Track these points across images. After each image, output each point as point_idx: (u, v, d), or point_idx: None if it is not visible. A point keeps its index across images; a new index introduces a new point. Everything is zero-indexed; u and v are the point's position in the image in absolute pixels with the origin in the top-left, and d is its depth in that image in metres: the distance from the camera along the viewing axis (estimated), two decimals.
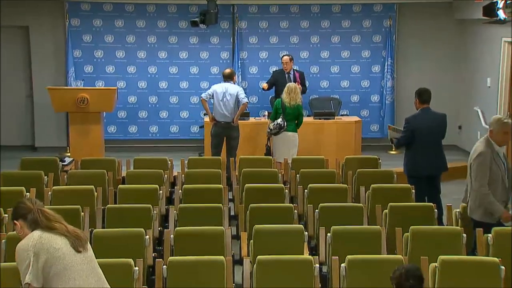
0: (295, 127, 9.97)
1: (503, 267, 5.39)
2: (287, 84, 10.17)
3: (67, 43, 12.75)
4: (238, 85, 12.00)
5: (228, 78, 10.52)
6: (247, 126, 11.25)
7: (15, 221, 4.37)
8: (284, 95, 9.92)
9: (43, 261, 4.14)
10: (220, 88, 10.40)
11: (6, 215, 6.76)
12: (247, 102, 10.43)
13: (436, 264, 5.41)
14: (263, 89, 11.96)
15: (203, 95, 10.56)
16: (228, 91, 10.34)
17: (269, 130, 10.06)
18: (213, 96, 10.39)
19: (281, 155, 9.83)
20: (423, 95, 8.31)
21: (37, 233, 4.23)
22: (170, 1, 12.81)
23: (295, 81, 11.16)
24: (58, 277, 4.17)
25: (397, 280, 4.40)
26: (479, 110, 12.16)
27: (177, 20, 13.02)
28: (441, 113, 8.49)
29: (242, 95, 10.36)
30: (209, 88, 10.83)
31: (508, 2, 9.19)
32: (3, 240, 6.02)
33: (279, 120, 9.88)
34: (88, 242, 4.42)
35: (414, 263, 4.91)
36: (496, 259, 5.54)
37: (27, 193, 7.50)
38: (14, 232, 6.06)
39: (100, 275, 4.41)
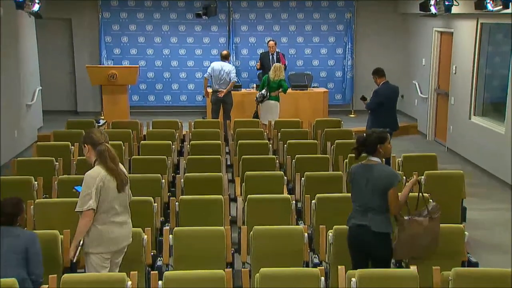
0: (277, 98, 9.90)
1: (431, 201, 5.46)
2: (274, 64, 10.13)
3: (100, 31, 12.65)
4: (233, 63, 11.94)
5: (225, 58, 10.42)
6: (239, 96, 11.17)
7: (85, 145, 4.36)
8: (270, 72, 9.88)
9: (99, 194, 4.19)
10: (217, 65, 10.30)
11: (57, 163, 6.77)
12: (235, 81, 10.36)
13: None
14: (257, 68, 11.89)
15: (205, 74, 10.51)
16: (223, 68, 10.24)
17: (256, 99, 10.02)
18: (211, 71, 10.30)
19: (266, 118, 9.80)
20: (381, 72, 8.20)
21: (102, 171, 4.23)
22: None
23: (278, 61, 11.09)
24: (103, 208, 4.24)
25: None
26: (416, 83, 12.16)
27: (185, 12, 12.88)
28: (395, 85, 8.42)
29: (233, 74, 10.25)
30: (209, 66, 10.72)
31: (438, 0, 9.17)
32: (54, 183, 6.02)
33: (263, 91, 9.84)
34: (128, 185, 4.44)
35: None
36: (426, 194, 5.59)
37: (72, 147, 7.47)
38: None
39: (129, 212, 4.46)
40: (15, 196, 4.45)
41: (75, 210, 4.23)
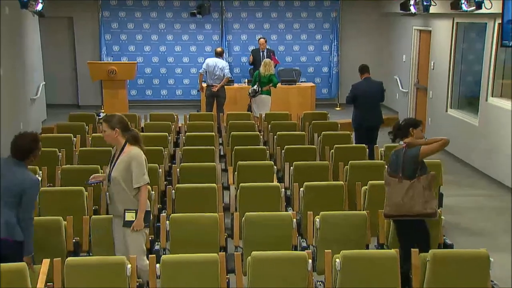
0: (268, 92, 9.86)
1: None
2: (264, 60, 10.05)
3: (100, 30, 12.60)
4: (226, 59, 11.92)
5: (219, 55, 10.38)
6: (232, 90, 11.15)
7: (115, 129, 4.36)
8: (261, 68, 9.82)
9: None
10: (211, 61, 10.25)
11: (60, 154, 6.73)
12: (229, 77, 10.29)
13: (366, 187, 5.50)
14: (249, 61, 11.90)
15: (200, 70, 10.45)
16: (217, 64, 10.19)
17: (248, 94, 10.00)
18: (206, 67, 10.27)
19: (257, 111, 9.79)
20: (363, 69, 8.19)
21: (141, 151, 4.42)
22: None
23: (268, 57, 11.06)
24: None
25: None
26: (397, 78, 12.20)
27: (180, 11, 12.84)
28: (379, 80, 8.37)
29: (227, 70, 10.20)
30: (203, 62, 10.69)
31: (417, 0, 9.22)
32: (58, 171, 5.98)
33: (255, 87, 9.81)
34: None
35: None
36: None
37: (74, 138, 7.43)
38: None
39: None
40: (34, 132, 4.18)
41: (134, 187, 4.35)
